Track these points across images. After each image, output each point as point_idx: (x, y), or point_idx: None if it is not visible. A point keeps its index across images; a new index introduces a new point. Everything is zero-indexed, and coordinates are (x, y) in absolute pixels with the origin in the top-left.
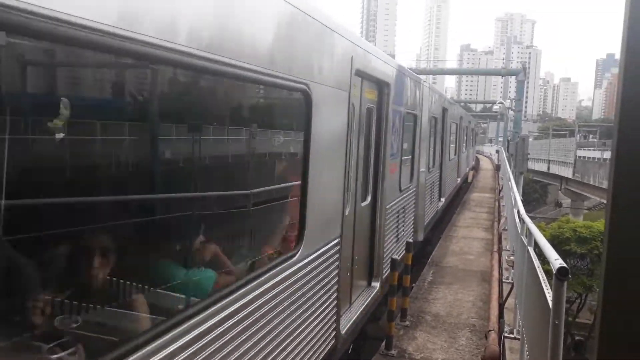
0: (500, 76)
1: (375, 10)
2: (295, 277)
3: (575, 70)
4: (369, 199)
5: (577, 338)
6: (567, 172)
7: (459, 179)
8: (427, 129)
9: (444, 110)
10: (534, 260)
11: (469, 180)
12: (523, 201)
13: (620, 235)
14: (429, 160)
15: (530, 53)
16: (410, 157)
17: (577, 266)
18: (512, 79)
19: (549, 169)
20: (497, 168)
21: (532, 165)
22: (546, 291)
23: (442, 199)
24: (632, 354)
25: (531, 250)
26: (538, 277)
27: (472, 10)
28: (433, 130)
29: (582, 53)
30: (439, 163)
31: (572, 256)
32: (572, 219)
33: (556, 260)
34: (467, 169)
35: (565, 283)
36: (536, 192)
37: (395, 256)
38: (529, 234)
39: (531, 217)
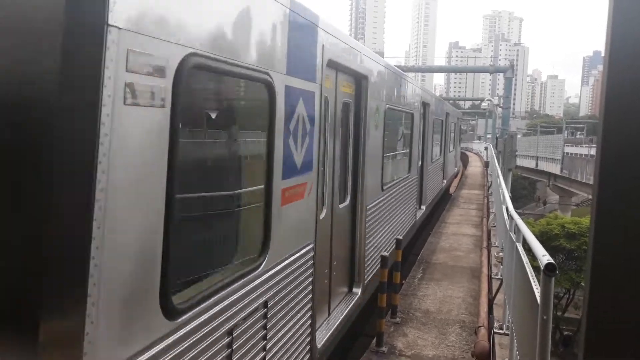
0: (488, 73)
1: (363, 8)
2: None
3: (563, 68)
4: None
5: (565, 333)
6: (555, 169)
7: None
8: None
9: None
10: (522, 256)
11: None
12: (511, 198)
13: (605, 231)
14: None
15: (518, 50)
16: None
17: (566, 262)
18: (501, 76)
19: (537, 165)
20: (486, 165)
21: (520, 162)
22: (534, 287)
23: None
24: (618, 347)
25: (520, 246)
26: (526, 273)
27: (460, 8)
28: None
29: (569, 50)
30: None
31: (561, 252)
32: (561, 215)
33: (544, 257)
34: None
35: (553, 279)
36: (525, 189)
37: (384, 253)
38: (518, 230)
39: (520, 214)
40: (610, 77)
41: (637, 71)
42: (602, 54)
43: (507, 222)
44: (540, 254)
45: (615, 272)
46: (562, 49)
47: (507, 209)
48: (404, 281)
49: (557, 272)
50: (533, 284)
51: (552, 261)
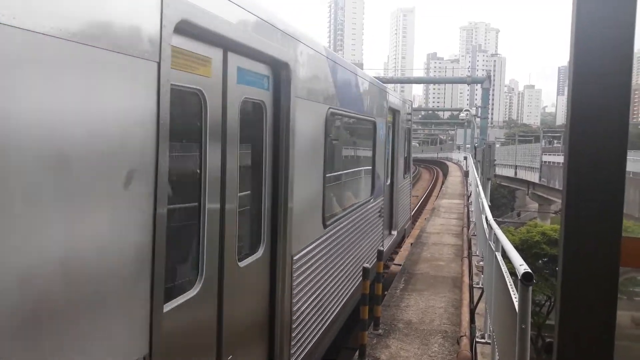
0: (466, 84)
1: (342, 20)
2: None
3: (539, 78)
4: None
5: (547, 340)
6: (533, 177)
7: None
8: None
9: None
10: (501, 265)
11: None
12: (491, 206)
13: (574, 232)
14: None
15: (495, 61)
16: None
17: (547, 267)
18: (479, 86)
19: (516, 174)
20: (466, 174)
21: (499, 170)
22: (513, 296)
23: (394, 232)
24: (590, 350)
25: (499, 255)
26: (506, 282)
27: (438, 19)
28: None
29: (545, 61)
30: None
31: (543, 258)
32: (540, 223)
33: (521, 266)
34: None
35: (530, 288)
36: (504, 197)
37: (366, 265)
38: (497, 239)
39: (500, 222)
40: (575, 89)
41: (599, 83)
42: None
43: (487, 232)
44: (518, 264)
45: (585, 277)
46: (538, 59)
47: (486, 218)
48: (386, 292)
49: (535, 280)
50: (512, 293)
51: (529, 270)
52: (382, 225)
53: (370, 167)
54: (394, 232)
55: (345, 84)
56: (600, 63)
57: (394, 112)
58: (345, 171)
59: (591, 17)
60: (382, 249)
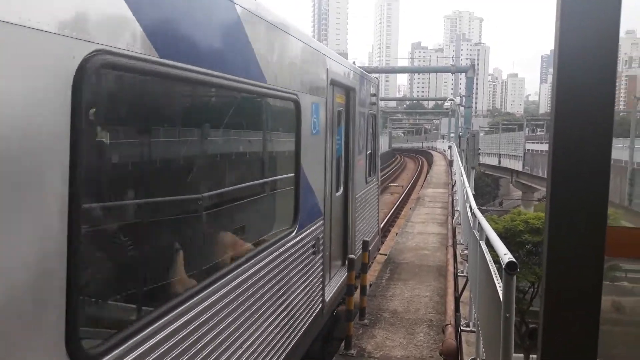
0: (450, 73)
1: (326, 9)
2: None
3: (522, 67)
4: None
5: (531, 326)
6: (517, 165)
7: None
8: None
9: (349, 91)
10: (485, 254)
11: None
12: (475, 195)
13: (558, 224)
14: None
15: (479, 50)
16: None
17: (530, 256)
18: (463, 75)
19: (499, 162)
20: (450, 163)
21: (483, 159)
22: (497, 285)
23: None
24: (573, 342)
25: (483, 244)
26: (490, 271)
27: (422, 8)
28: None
29: (528, 49)
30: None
31: (526, 246)
32: (524, 211)
33: (505, 255)
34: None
35: (515, 277)
36: (488, 186)
37: (352, 255)
38: (481, 228)
39: (484, 211)
40: (559, 78)
41: (583, 73)
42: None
43: (471, 220)
44: (502, 253)
45: (570, 268)
46: (522, 48)
47: (470, 207)
48: (371, 282)
49: (519, 269)
50: (496, 281)
51: (514, 260)
52: (322, 264)
53: (293, 176)
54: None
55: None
56: (584, 51)
57: (347, 90)
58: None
59: (576, 5)
60: (366, 239)
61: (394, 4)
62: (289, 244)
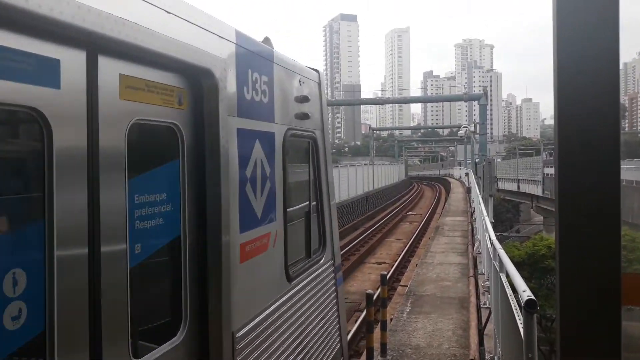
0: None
1: (337, 43)
2: None
3: (536, 90)
4: None
5: None
6: (536, 190)
7: None
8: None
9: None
10: (505, 288)
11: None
12: (495, 221)
13: (569, 239)
14: None
15: (491, 77)
16: None
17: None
18: (477, 101)
19: (519, 188)
20: (468, 190)
21: (502, 185)
22: (518, 321)
23: None
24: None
25: (503, 277)
26: (511, 305)
27: (432, 38)
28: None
29: (541, 73)
30: None
31: (550, 273)
32: (546, 236)
33: (524, 292)
34: None
35: (535, 315)
36: (509, 212)
37: (369, 291)
38: (501, 260)
39: (505, 237)
40: (560, 98)
41: (584, 100)
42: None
43: (491, 251)
44: (521, 289)
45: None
46: (535, 71)
47: (489, 237)
48: (392, 317)
49: (545, 296)
50: (517, 317)
51: (533, 297)
52: None
53: None
54: None
55: None
56: (585, 71)
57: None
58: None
59: (574, 22)
60: (384, 273)
61: (404, 34)
62: None
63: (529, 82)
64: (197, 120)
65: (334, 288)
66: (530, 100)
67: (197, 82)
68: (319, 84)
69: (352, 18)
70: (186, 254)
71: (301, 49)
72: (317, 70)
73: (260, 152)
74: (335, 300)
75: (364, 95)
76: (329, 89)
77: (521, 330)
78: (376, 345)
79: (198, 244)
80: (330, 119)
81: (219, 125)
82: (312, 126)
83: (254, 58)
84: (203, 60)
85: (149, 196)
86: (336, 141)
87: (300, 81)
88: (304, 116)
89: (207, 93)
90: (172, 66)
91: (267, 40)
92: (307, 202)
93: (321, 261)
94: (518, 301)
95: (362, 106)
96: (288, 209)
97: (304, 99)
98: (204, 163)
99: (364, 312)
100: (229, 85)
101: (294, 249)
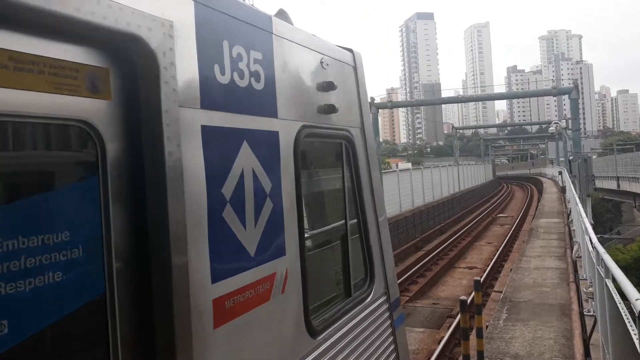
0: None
1: (415, 42)
2: None
3: (633, 79)
4: None
5: None
6: (639, 188)
7: None
8: None
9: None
10: (614, 295)
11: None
12: (595, 223)
13: None
14: None
15: (581, 68)
16: None
17: None
18: (566, 96)
19: (618, 186)
20: (563, 190)
21: (600, 183)
22: (632, 332)
23: None
24: None
25: (609, 283)
26: (621, 314)
27: (514, 31)
28: None
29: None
30: None
31: None
32: None
33: (637, 301)
34: None
35: None
36: (609, 212)
37: (463, 297)
38: (606, 266)
39: (606, 239)
40: None
41: None
42: None
43: (593, 255)
44: (634, 298)
45: None
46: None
47: (590, 240)
48: (488, 323)
49: None
50: (630, 328)
51: None
52: None
53: None
54: None
55: None
56: None
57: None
58: None
59: None
60: (478, 279)
61: (484, 30)
62: None
63: (624, 73)
64: (130, 115)
65: (389, 331)
66: (626, 91)
67: (126, 57)
68: (355, 67)
69: (429, 16)
70: (115, 326)
71: (378, 49)
72: (350, 50)
73: (251, 160)
74: (392, 347)
75: (445, 94)
76: (408, 89)
77: (635, 341)
78: (472, 352)
79: (133, 306)
80: (410, 119)
81: (161, 122)
82: (345, 122)
83: (235, 25)
84: (129, 21)
85: (29, 241)
86: (417, 142)
87: (322, 62)
88: (330, 109)
89: (140, 73)
90: (74, 32)
91: (282, 13)
92: (343, 222)
93: (368, 299)
94: (630, 310)
95: (443, 105)
96: (309, 233)
97: (328, 87)
98: (143, 181)
99: (457, 318)
100: (182, 61)
101: (321, 288)
